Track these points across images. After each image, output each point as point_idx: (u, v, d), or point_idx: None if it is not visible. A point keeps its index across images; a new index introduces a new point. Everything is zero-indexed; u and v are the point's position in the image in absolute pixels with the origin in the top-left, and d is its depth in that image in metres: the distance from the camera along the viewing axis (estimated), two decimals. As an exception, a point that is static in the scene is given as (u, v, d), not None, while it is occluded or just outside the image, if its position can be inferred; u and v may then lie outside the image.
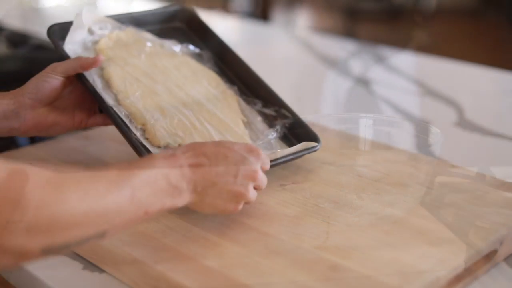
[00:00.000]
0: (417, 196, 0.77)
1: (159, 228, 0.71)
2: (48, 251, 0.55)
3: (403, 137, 1.07)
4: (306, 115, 0.90)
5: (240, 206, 0.69)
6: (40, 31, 1.40)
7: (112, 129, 0.97)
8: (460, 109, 1.20)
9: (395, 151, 0.91)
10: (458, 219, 0.71)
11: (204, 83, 0.89)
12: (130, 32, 0.94)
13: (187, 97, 0.87)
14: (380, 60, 1.53)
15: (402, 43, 4.20)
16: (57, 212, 0.54)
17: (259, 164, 0.70)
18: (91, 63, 0.81)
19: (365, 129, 0.86)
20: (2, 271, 0.73)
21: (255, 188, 0.70)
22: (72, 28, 0.87)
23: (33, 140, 0.99)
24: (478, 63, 1.57)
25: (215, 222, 0.72)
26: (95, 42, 0.91)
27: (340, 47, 1.68)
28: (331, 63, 1.52)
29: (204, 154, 0.67)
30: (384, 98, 1.26)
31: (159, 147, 0.80)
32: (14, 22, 1.66)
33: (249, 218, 0.73)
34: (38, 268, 0.70)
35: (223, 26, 2.08)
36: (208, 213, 0.70)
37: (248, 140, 0.84)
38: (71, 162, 0.88)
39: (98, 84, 0.84)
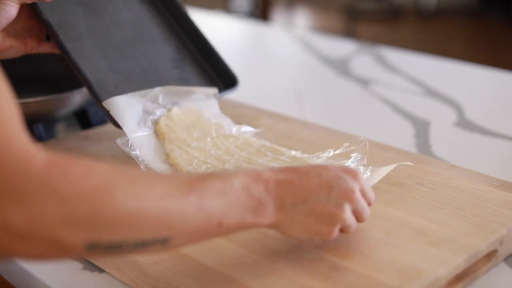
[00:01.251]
0: (416, 195, 0.77)
1: (159, 228, 0.71)
2: (94, 248, 0.51)
3: (403, 137, 1.07)
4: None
5: (336, 230, 0.62)
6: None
7: (112, 129, 0.97)
8: (460, 109, 1.20)
9: (395, 151, 0.91)
10: (458, 219, 0.71)
11: (269, 154, 0.88)
12: (188, 109, 0.93)
13: (259, 167, 0.85)
14: (380, 60, 1.53)
15: (402, 43, 4.20)
16: (100, 206, 0.50)
17: (358, 186, 0.63)
18: None
19: None
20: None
21: (354, 214, 0.63)
22: (122, 111, 0.87)
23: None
24: (478, 63, 1.57)
25: (215, 222, 0.72)
26: (155, 122, 0.90)
27: (340, 47, 1.68)
28: (331, 63, 1.52)
29: (294, 171, 0.62)
30: (384, 98, 1.26)
31: None
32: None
33: (249, 218, 0.73)
34: (38, 268, 0.70)
35: (223, 26, 2.08)
36: (299, 238, 0.62)
37: None
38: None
39: (163, 171, 0.85)
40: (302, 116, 1.13)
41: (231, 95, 1.02)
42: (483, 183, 0.80)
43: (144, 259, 0.66)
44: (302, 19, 5.98)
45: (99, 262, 0.69)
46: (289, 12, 5.97)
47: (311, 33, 2.88)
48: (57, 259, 0.54)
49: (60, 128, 1.15)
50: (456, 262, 0.64)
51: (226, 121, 0.95)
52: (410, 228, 0.70)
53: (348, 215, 0.62)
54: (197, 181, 0.56)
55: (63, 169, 0.50)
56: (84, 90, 1.00)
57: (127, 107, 0.88)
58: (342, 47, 1.68)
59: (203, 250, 0.67)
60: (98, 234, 0.51)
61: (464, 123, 1.13)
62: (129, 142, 0.86)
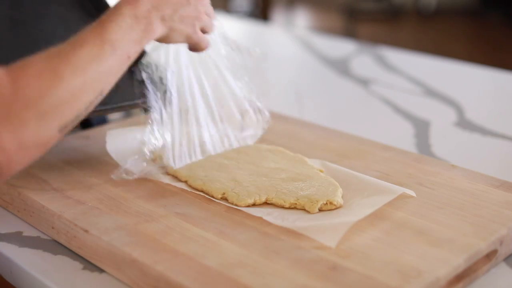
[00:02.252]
0: (416, 195, 0.77)
1: (159, 228, 0.71)
2: (64, 129, 0.63)
3: (403, 137, 1.07)
4: None
5: (197, 30, 0.77)
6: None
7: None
8: (460, 109, 1.20)
9: (395, 151, 0.91)
10: (458, 219, 0.71)
11: (270, 155, 0.88)
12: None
13: (258, 168, 0.84)
14: (380, 60, 1.53)
15: (402, 43, 4.20)
16: (59, 93, 0.61)
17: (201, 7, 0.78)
18: None
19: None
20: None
21: (202, 31, 0.79)
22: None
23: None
24: (478, 63, 1.57)
25: (215, 222, 0.72)
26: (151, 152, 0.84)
27: (340, 47, 1.68)
28: (331, 63, 1.52)
29: None
30: (384, 98, 1.26)
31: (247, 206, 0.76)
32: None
33: (249, 218, 0.73)
34: (38, 268, 0.70)
35: (223, 26, 2.08)
36: (177, 41, 0.76)
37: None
38: (71, 162, 0.88)
39: (163, 180, 0.83)
40: (302, 116, 1.13)
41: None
42: (483, 183, 0.80)
43: (144, 259, 0.66)
44: (302, 19, 5.98)
45: (99, 262, 0.69)
46: (289, 12, 5.97)
47: (311, 33, 2.88)
48: (40, 155, 0.63)
49: (60, 128, 1.15)
50: (456, 262, 0.64)
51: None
52: (410, 228, 0.70)
53: (204, 16, 0.79)
54: (100, 30, 0.66)
55: (20, 78, 0.59)
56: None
57: (124, 142, 0.86)
58: (342, 47, 1.68)
59: (203, 250, 0.67)
60: (65, 116, 0.62)
61: (464, 123, 1.13)
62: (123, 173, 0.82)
